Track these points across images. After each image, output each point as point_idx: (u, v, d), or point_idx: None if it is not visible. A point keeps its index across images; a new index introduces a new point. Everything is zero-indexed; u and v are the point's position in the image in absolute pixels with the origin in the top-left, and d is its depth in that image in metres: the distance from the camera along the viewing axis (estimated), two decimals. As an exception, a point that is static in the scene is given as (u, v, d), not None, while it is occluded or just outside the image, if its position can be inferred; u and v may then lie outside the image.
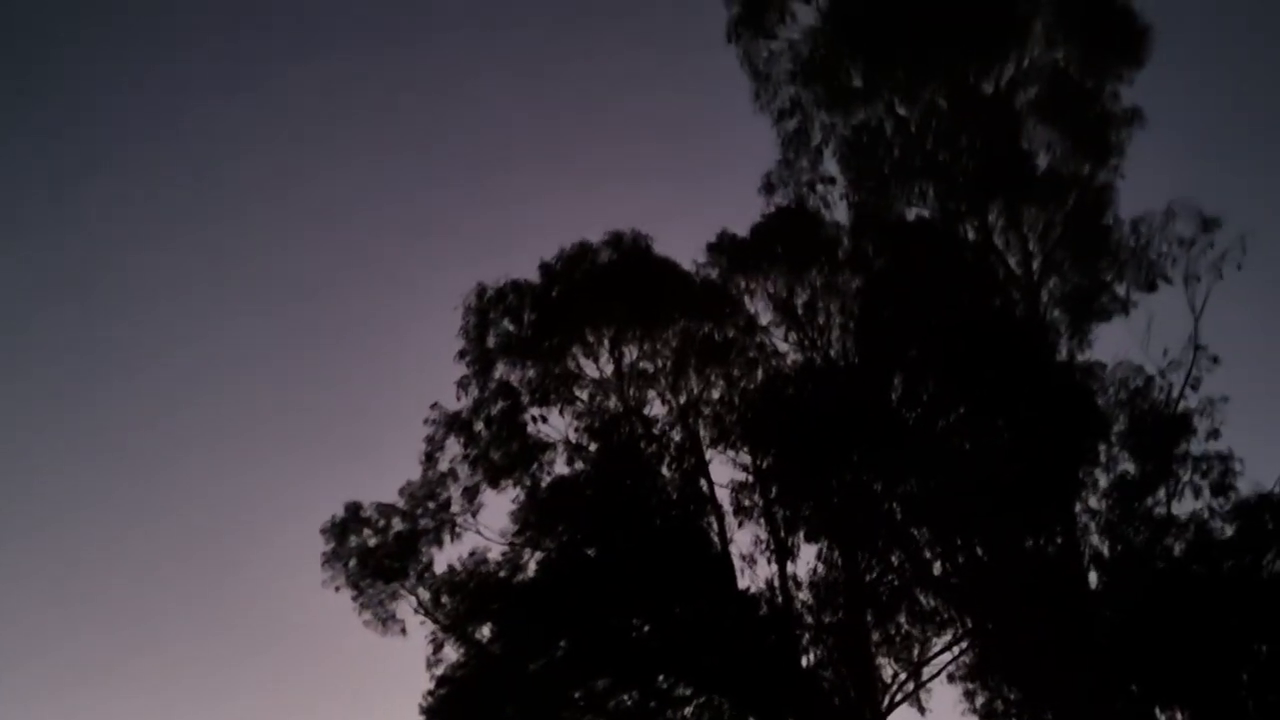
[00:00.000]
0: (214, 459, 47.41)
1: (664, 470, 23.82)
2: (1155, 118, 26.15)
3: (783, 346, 24.80)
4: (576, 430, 24.10)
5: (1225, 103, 44.80)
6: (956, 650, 23.74)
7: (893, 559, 23.88)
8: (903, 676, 23.84)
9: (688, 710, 22.76)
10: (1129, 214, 25.57)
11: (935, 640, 23.90)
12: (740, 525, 23.81)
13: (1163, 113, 27.87)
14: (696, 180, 48.86)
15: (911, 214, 25.85)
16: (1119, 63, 25.50)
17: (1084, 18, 25.47)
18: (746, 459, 24.09)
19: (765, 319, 24.75)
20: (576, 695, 22.53)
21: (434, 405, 24.28)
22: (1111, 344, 25.22)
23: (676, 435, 24.01)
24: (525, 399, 24.09)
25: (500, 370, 24.25)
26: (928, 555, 23.79)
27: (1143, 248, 25.34)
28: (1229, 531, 23.17)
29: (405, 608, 24.05)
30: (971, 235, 26.03)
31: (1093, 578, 23.25)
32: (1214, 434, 23.79)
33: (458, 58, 52.65)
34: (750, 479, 23.97)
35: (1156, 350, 24.30)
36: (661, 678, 22.97)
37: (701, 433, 24.14)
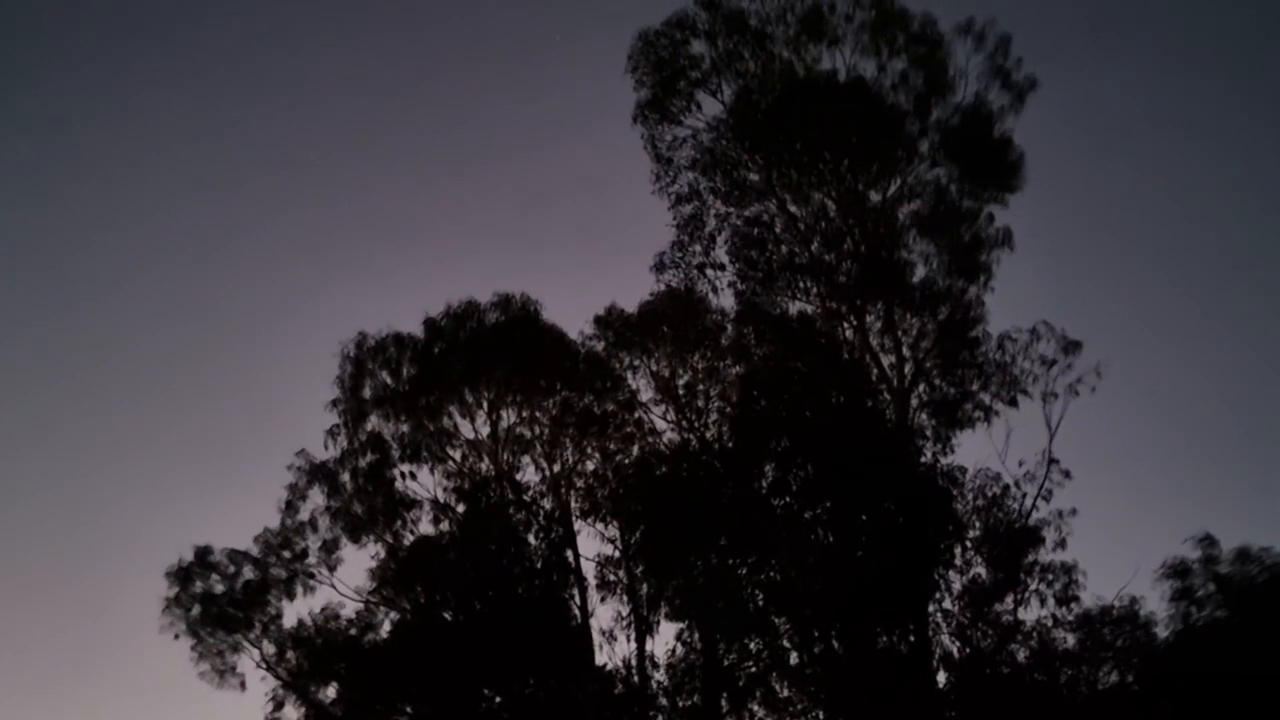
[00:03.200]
0: (67, 487, 44.26)
1: (531, 538, 22.76)
2: (1026, 241, 26.98)
3: (661, 425, 24.26)
4: (446, 490, 22.98)
5: (1089, 229, 47.12)
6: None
7: (751, 645, 23.17)
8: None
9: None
10: (997, 328, 25.99)
11: (789, 731, 23.30)
12: (603, 600, 22.89)
13: (1034, 236, 28.78)
14: (592, 250, 48.50)
15: (794, 308, 25.84)
16: (994, 186, 26.14)
17: (965, 142, 26.22)
18: (615, 533, 23.24)
19: (646, 396, 24.19)
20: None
21: (300, 452, 22.89)
22: (973, 451, 25.49)
23: (547, 504, 23.02)
24: (396, 454, 22.85)
25: (373, 422, 23.02)
26: (786, 644, 23.20)
27: (1007, 363, 25.68)
28: (1070, 641, 23.31)
29: (247, 661, 22.30)
30: (849, 334, 26.21)
31: (941, 677, 23.04)
32: (1061, 544, 23.89)
33: (359, 106, 51.81)
34: (617, 554, 23.10)
35: (1014, 461, 24.50)
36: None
37: (572, 503, 23.21)
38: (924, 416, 25.83)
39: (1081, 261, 45.75)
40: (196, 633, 21.77)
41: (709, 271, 25.43)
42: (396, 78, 51.38)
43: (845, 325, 26.04)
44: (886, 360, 26.17)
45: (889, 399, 25.60)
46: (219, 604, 21.91)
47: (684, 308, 24.68)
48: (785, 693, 23.02)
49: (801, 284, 25.94)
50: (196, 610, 21.84)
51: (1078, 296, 42.76)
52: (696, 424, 23.79)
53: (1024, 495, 24.35)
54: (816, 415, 22.91)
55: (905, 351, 26.16)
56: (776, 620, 23.00)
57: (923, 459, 25.07)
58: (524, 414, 23.33)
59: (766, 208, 25.82)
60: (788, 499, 23.16)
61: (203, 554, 22.17)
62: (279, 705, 21.95)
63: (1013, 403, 25.50)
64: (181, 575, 21.92)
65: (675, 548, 22.45)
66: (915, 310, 26.31)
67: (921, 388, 26.05)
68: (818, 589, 21.99)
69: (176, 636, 21.79)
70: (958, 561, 23.73)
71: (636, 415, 23.71)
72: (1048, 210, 39.74)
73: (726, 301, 25.42)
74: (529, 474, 23.38)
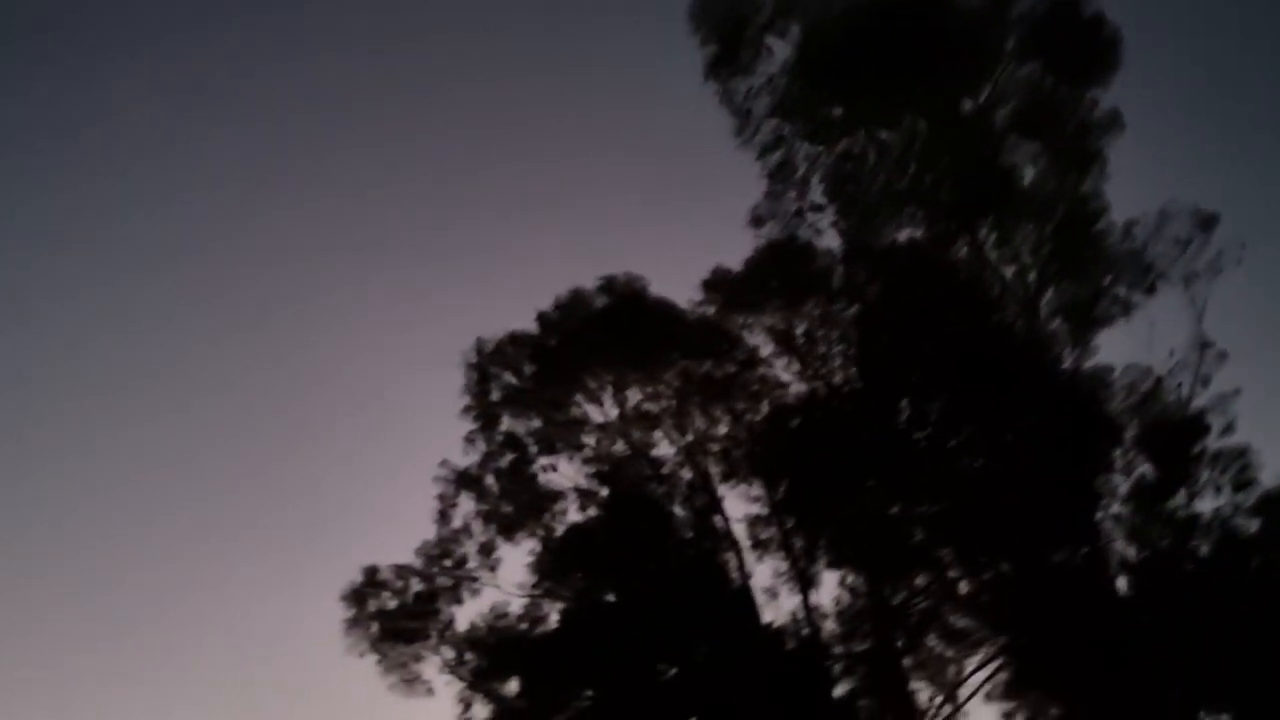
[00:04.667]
0: (226, 542, 46.32)
1: (676, 509, 22.60)
2: (1137, 121, 25.31)
3: (785, 377, 23.66)
4: (586, 476, 22.97)
5: (1202, 97, 43.80)
6: (991, 668, 22.33)
7: (918, 581, 22.56)
8: (939, 699, 22.34)
9: (721, 752, 21.40)
10: (1121, 216, 24.62)
11: (969, 660, 22.45)
12: (759, 559, 22.57)
13: (1144, 114, 27.00)
14: (686, 217, 47.67)
15: (903, 236, 25.03)
16: (1093, 71, 24.66)
17: (1053, 29, 24.67)
18: (759, 492, 22.90)
19: (765, 351, 23.61)
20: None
21: (443, 463, 23.18)
22: (1116, 349, 24.13)
23: (686, 474, 22.80)
24: (532, 449, 22.98)
25: (506, 423, 23.17)
26: (953, 575, 22.50)
27: (1138, 251, 24.32)
28: (1254, 527, 21.89)
29: (430, 668, 22.93)
30: (964, 253, 25.16)
31: (1122, 584, 21.93)
32: (1228, 429, 22.60)
33: (444, 111, 51.79)
34: (765, 512, 22.80)
35: (1162, 351, 23.23)
36: (692, 720, 21.67)
37: (711, 469, 22.94)
38: (1057, 323, 24.64)
39: (1200, 132, 42.50)
40: (379, 648, 22.48)
41: (808, 216, 24.76)
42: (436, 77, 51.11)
43: (958, 245, 24.99)
44: (1008, 272, 25.05)
45: (1017, 312, 24.47)
46: (394, 619, 22.50)
47: (789, 256, 24.04)
48: (961, 623, 22.36)
49: (905, 211, 24.97)
50: (375, 628, 22.52)
51: (1203, 169, 39.78)
52: (821, 371, 23.15)
53: (1179, 385, 23.02)
54: (943, 341, 22.02)
55: (1025, 260, 24.97)
56: (939, 553, 22.32)
57: (1063, 366, 23.96)
58: (647, 390, 23.15)
59: (855, 140, 24.87)
60: (929, 430, 22.41)
61: (371, 574, 22.81)
62: (467, 706, 22.41)
63: (1151, 291, 24.08)
64: (355, 597, 22.60)
65: (823, 497, 21.97)
66: (1029, 215, 25.07)
67: (1049, 294, 24.82)
68: (976, 515, 21.21)
69: (361, 655, 22.61)
70: (1119, 464, 22.60)
71: (759, 372, 23.23)
72: (1154, 83, 36.97)
73: (831, 242, 24.66)
74: (663, 448, 23.25)
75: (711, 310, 23.70)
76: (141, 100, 47.46)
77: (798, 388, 23.38)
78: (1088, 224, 24.76)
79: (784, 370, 23.50)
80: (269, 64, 49.29)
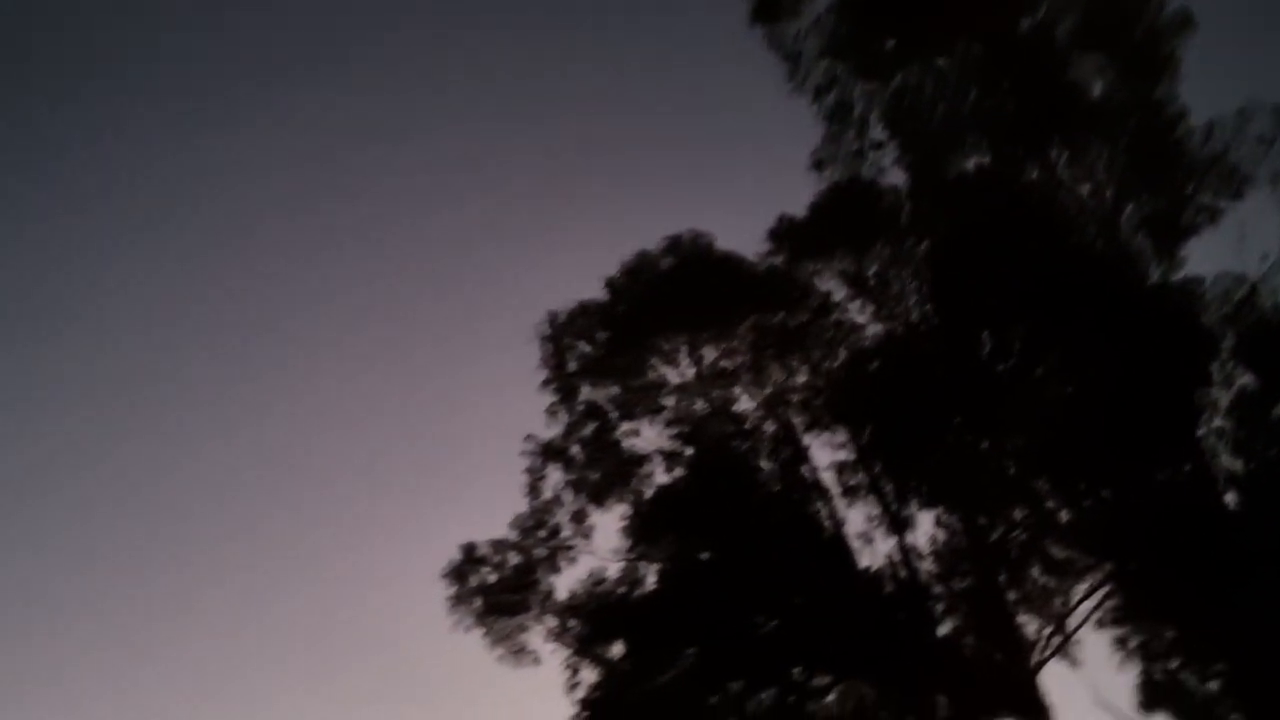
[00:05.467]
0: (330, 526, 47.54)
1: (762, 463, 22.48)
2: (1211, 18, 24.06)
3: (860, 321, 23.23)
4: (669, 438, 22.92)
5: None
6: (1100, 596, 21.78)
7: (1015, 515, 22.09)
8: (1048, 631, 21.89)
9: (829, 699, 21.35)
10: (1198, 122, 23.45)
11: (1075, 589, 21.95)
12: (850, 505, 22.33)
13: (1215, 9, 25.61)
14: (746, 172, 46.98)
15: (970, 166, 24.28)
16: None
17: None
18: (844, 438, 22.60)
19: (838, 296, 23.22)
20: (713, 701, 21.30)
21: (528, 437, 23.44)
22: (1204, 259, 23.12)
23: (769, 427, 22.61)
24: (614, 416, 23.02)
25: (585, 392, 23.23)
26: (1051, 505, 21.95)
27: (1220, 154, 23.16)
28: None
29: (535, 638, 23.32)
30: (1035, 176, 24.31)
31: (1230, 499, 21.10)
32: (1334, 328, 21.51)
33: (492, 88, 51.80)
34: (852, 458, 22.52)
35: (1254, 256, 22.12)
36: (797, 671, 21.58)
37: (794, 420, 22.70)
38: (1140, 238, 23.68)
39: (1277, 22, 40.08)
40: (484, 622, 22.92)
41: (869, 155, 24.11)
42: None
43: (1028, 169, 24.16)
44: (1083, 190, 24.13)
45: (1095, 231, 23.59)
46: (496, 593, 22.90)
47: (854, 198, 23.52)
48: (1063, 553, 21.82)
49: (970, 140, 24.19)
50: (479, 603, 22.97)
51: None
52: (896, 311, 22.68)
53: (1275, 290, 21.97)
54: (1021, 267, 21.37)
55: (1101, 176, 24.02)
56: (1035, 484, 21.79)
57: (1150, 282, 23.05)
58: (722, 347, 23.01)
59: (911, 73, 24.04)
60: (1013, 361, 21.82)
61: (469, 551, 23.20)
62: (575, 671, 22.77)
63: (1238, 195, 22.92)
64: (456, 574, 23.04)
65: (910, 438, 21.61)
66: (1101, 130, 24.06)
67: (1129, 209, 23.82)
68: (1070, 442, 20.62)
69: (467, 630, 23.08)
70: (1218, 377, 21.70)
71: (833, 318, 22.87)
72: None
73: (896, 179, 24.07)
74: (743, 403, 23.11)
75: (779, 260, 23.39)
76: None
77: (874, 330, 23.02)
78: (1164, 132, 23.64)
79: (858, 314, 23.16)
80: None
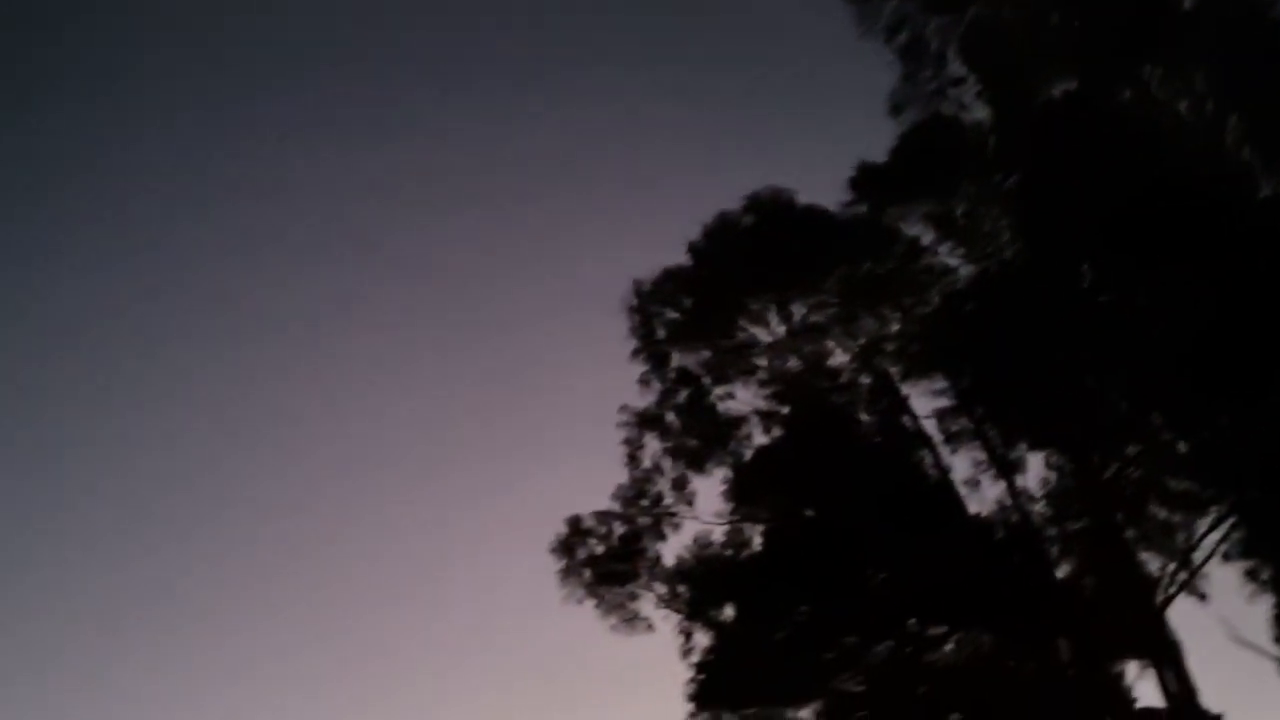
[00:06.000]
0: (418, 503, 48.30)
1: (861, 416, 22.23)
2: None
3: (951, 263, 22.62)
4: (764, 398, 22.83)
5: None
6: (1225, 529, 20.93)
7: (1128, 451, 21.34)
8: (1172, 567, 21.17)
9: (946, 649, 21.06)
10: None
11: (1199, 523, 21.13)
12: (954, 452, 21.91)
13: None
14: (823, 124, 45.94)
15: (1056, 92, 23.29)
16: None
17: None
18: (944, 384, 22.13)
19: (926, 240, 22.70)
20: (829, 657, 21.22)
21: (623, 407, 23.57)
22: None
23: (865, 379, 22.31)
24: (706, 380, 22.96)
25: (675, 359, 23.21)
26: (1167, 438, 21.13)
27: (1333, 49, 21.77)
28: None
29: (646, 605, 23.54)
30: (1127, 96, 23.18)
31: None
32: None
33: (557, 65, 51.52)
34: (953, 403, 22.03)
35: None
36: (911, 622, 21.35)
37: (890, 370, 22.35)
38: (1246, 151, 22.42)
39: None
40: (594, 593, 23.23)
41: (949, 92, 23.33)
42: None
43: (1119, 90, 23.06)
44: (1181, 108, 22.93)
45: (1198, 147, 22.42)
46: (604, 563, 23.18)
47: (936, 137, 22.80)
48: (1183, 487, 21.00)
49: (1053, 66, 23.22)
50: (587, 574, 23.28)
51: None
52: (988, 250, 22.00)
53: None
54: (1117, 193, 20.44)
55: (1200, 90, 22.78)
56: (1148, 418, 21.00)
57: (1261, 195, 21.83)
58: (811, 302, 22.68)
59: (987, 1, 23.30)
60: (1115, 292, 20.99)
61: (574, 523, 23.52)
62: (688, 636, 22.98)
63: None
64: (564, 547, 23.38)
65: (1011, 379, 21.01)
66: (1197, 42, 22.80)
67: (1232, 122, 22.58)
68: (1183, 371, 19.76)
69: (579, 602, 23.42)
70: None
71: (923, 262, 22.32)
72: None
73: (979, 114, 23.28)
74: (837, 357, 22.81)
75: (863, 208, 22.89)
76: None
77: (966, 271, 22.42)
78: (1266, 36, 22.30)
79: (949, 256, 22.58)
80: None
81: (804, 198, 23.03)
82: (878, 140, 23.82)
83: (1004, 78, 23.18)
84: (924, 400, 22.29)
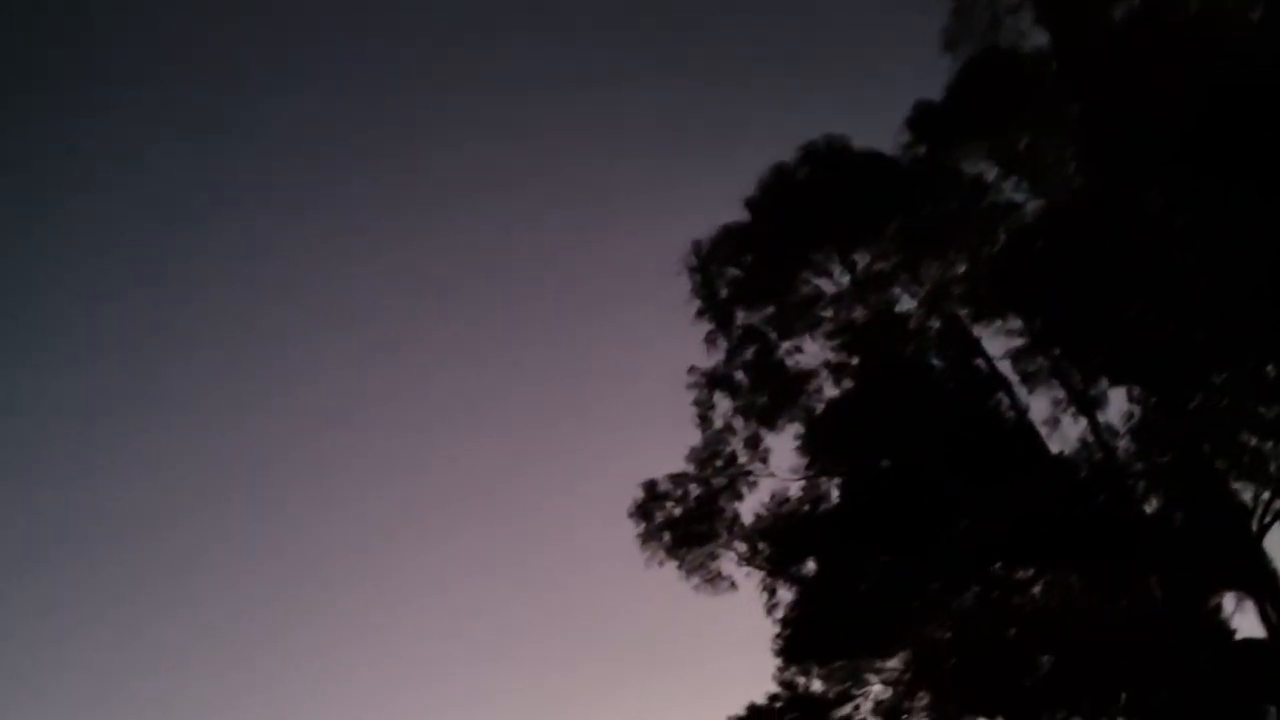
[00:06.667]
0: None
1: (933, 361, 21.87)
2: None
3: (1017, 199, 21.99)
4: (833, 350, 22.60)
5: None
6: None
7: (1214, 379, 20.63)
8: (1266, 495, 20.52)
9: (1034, 592, 20.78)
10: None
11: (1293, 448, 20.49)
12: (1031, 392, 21.45)
13: None
14: (874, 70, 44.94)
15: (1118, 12, 22.30)
16: None
17: None
18: (1017, 324, 21.63)
19: (990, 177, 22.07)
20: (915, 605, 21.09)
21: (691, 369, 23.60)
22: None
23: (934, 324, 21.88)
24: (773, 336, 22.80)
25: (741, 316, 23.03)
26: (1254, 364, 20.37)
27: None
28: None
29: (727, 564, 23.64)
30: (1194, 10, 22.10)
31: None
32: None
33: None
34: (1027, 343, 21.51)
35: None
36: (997, 566, 21.09)
37: (959, 313, 21.91)
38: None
39: None
40: (675, 555, 23.37)
41: (1005, 20, 22.52)
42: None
43: (1183, 2, 22.00)
44: (1254, 15, 21.80)
45: (1271, 59, 21.34)
46: (683, 525, 23.32)
47: (993, 69, 22.03)
48: (1273, 413, 20.28)
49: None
50: (667, 537, 23.43)
51: None
52: (1054, 182, 21.29)
53: None
54: (1186, 111, 19.58)
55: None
56: (1233, 342, 20.25)
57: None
58: (874, 249, 22.28)
59: (1036, -79, 22.34)
60: (1190, 216, 20.17)
61: (650, 488, 23.68)
62: (772, 592, 23.05)
63: None
64: (642, 511, 23.56)
65: (1086, 314, 20.43)
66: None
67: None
68: (1268, 293, 18.99)
69: (660, 564, 23.58)
70: None
71: (987, 200, 21.71)
72: None
73: (1037, 41, 22.44)
74: (905, 303, 22.43)
75: (922, 150, 22.33)
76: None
77: (1033, 206, 21.74)
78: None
79: (1014, 192, 21.90)
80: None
81: (860, 143, 22.58)
82: (934, 79, 23.22)
83: (1062, 1, 22.32)
84: (997, 342, 21.86)
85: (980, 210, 21.60)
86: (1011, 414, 21.35)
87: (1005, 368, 21.59)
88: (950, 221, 21.58)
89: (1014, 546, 20.22)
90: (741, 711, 22.64)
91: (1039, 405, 21.34)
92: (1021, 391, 21.42)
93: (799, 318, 22.62)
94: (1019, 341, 21.43)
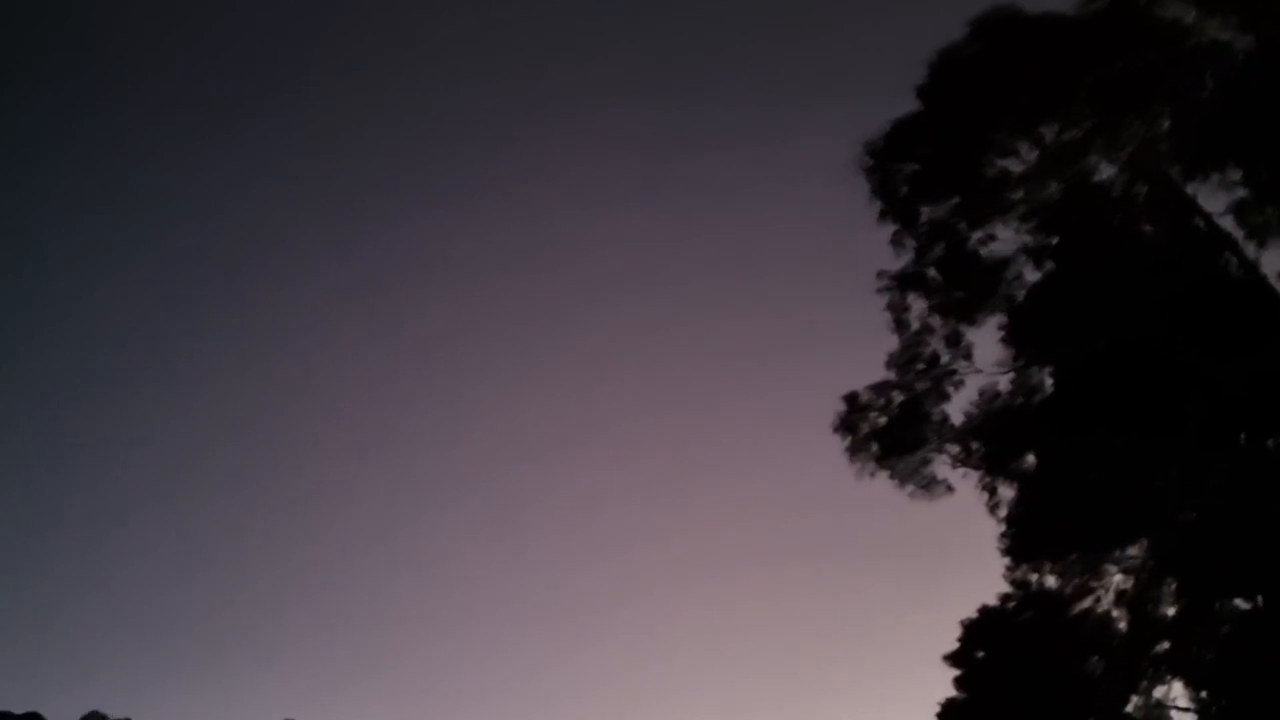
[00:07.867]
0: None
1: (1143, 228, 20.19)
2: None
3: (1223, 37, 19.88)
4: (1029, 233, 21.18)
5: None
6: None
7: None
8: None
9: (1290, 460, 19.12)
10: None
11: None
12: (1262, 246, 19.55)
13: None
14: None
15: None
16: None
17: None
18: (1237, 174, 19.67)
19: (1189, 18, 19.98)
20: (1154, 488, 19.81)
21: (879, 273, 22.63)
22: None
23: (1140, 188, 20.15)
24: (962, 227, 21.56)
25: (926, 212, 21.84)
26: None
27: None
28: None
29: (941, 468, 22.85)
30: None
31: None
32: None
33: None
34: (1251, 193, 19.55)
35: None
36: (1243, 437, 19.51)
37: (1169, 172, 20.10)
38: None
39: None
40: (886, 464, 22.75)
41: None
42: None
43: None
44: None
45: None
46: (890, 434, 22.64)
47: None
48: None
49: None
50: (875, 447, 22.82)
51: None
52: (1266, 13, 19.06)
53: None
54: None
55: None
56: None
57: None
58: (1062, 118, 20.63)
59: None
60: None
61: (851, 399, 23.05)
62: (992, 491, 22.21)
63: None
64: (846, 424, 22.96)
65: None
66: None
67: None
68: None
69: (872, 475, 23.02)
70: None
71: (1189, 44, 19.65)
72: None
73: None
74: (1104, 171, 20.70)
75: (1104, 1, 20.37)
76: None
77: (1244, 44, 19.51)
78: None
79: (1219, 31, 19.70)
80: None
81: (1034, 5, 20.81)
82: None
83: None
84: (1216, 198, 19.96)
85: (1182, 56, 19.59)
86: (1241, 273, 19.54)
87: (1228, 223, 19.78)
88: (1148, 74, 19.70)
89: (1261, 415, 18.64)
90: (974, 614, 22.06)
91: (1271, 260, 19.50)
92: (1249, 247, 19.59)
93: (987, 204, 21.30)
94: (1241, 193, 19.54)
